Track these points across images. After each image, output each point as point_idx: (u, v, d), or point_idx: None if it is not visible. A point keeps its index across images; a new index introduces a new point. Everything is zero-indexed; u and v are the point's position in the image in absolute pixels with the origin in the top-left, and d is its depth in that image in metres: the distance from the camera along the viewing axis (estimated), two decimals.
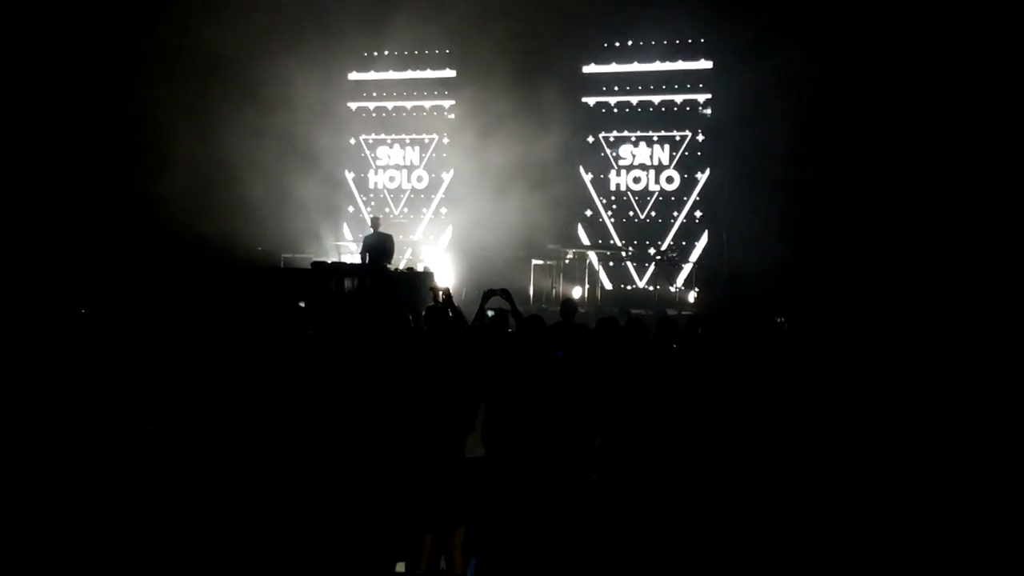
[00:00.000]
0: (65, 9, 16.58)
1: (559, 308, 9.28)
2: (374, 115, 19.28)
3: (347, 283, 13.27)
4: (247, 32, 16.32)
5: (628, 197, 17.71)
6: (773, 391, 6.48)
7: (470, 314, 7.35)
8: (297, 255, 16.96)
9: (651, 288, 16.80)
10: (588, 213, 17.79)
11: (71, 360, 7.68)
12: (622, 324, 7.48)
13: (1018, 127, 13.58)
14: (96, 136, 16.95)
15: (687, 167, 17.39)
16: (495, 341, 7.03)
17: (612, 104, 17.79)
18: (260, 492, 6.14)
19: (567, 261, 16.20)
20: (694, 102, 17.35)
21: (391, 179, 19.23)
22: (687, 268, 16.53)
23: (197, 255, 15.60)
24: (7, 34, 16.23)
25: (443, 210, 18.67)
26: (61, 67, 16.62)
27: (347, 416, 6.60)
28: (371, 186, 19.30)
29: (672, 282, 16.26)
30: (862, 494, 6.04)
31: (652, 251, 17.06)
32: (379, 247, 14.36)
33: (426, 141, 19.03)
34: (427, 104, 18.95)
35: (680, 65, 17.33)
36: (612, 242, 17.43)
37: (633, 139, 17.72)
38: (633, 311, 12.83)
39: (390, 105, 19.17)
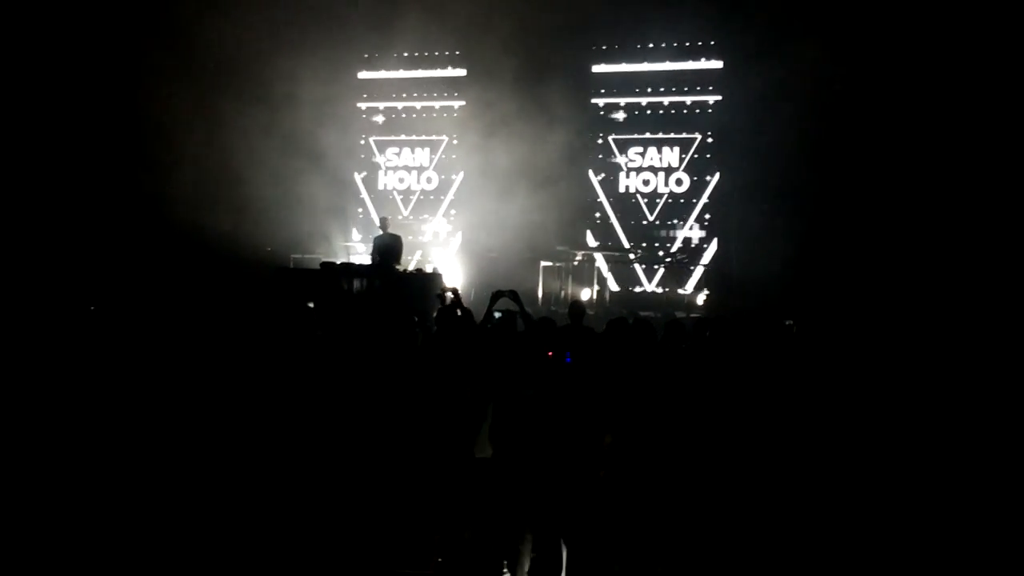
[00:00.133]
0: (74, 7, 16.61)
1: (567, 310, 9.28)
2: (383, 116, 19.30)
3: (356, 284, 13.28)
4: (256, 32, 16.37)
5: (637, 199, 17.70)
6: (781, 393, 6.47)
7: (479, 315, 7.36)
8: (306, 255, 16.98)
9: (660, 290, 16.77)
10: (597, 215, 17.77)
11: (81, 357, 7.71)
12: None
13: None
14: (106, 135, 16.99)
15: (696, 169, 17.36)
16: (503, 342, 7.03)
17: (622, 105, 17.77)
18: (269, 492, 6.15)
19: (576, 263, 16.18)
20: (704, 104, 17.32)
21: (400, 180, 19.25)
22: (698, 272, 16.51)
23: (207, 255, 15.63)
24: (18, 34, 16.29)
25: (452, 211, 18.67)
26: (71, 66, 16.66)
27: (355, 416, 6.61)
28: (380, 187, 19.32)
29: (682, 285, 16.23)
30: (870, 495, 6.03)
31: (661, 254, 17.02)
32: (388, 248, 14.37)
33: (436, 142, 19.04)
34: (437, 104, 18.96)
35: (690, 65, 17.30)
36: (621, 244, 17.41)
37: (642, 141, 17.70)
38: (642, 313, 12.82)
39: (400, 106, 19.18)
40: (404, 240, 15.03)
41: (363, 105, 19.30)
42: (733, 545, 5.78)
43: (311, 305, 11.93)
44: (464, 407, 6.00)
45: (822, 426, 6.36)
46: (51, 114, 16.60)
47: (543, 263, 16.11)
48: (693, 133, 17.39)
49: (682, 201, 17.41)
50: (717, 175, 17.14)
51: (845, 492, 6.05)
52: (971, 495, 5.99)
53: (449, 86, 18.77)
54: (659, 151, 17.64)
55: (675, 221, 17.39)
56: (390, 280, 13.54)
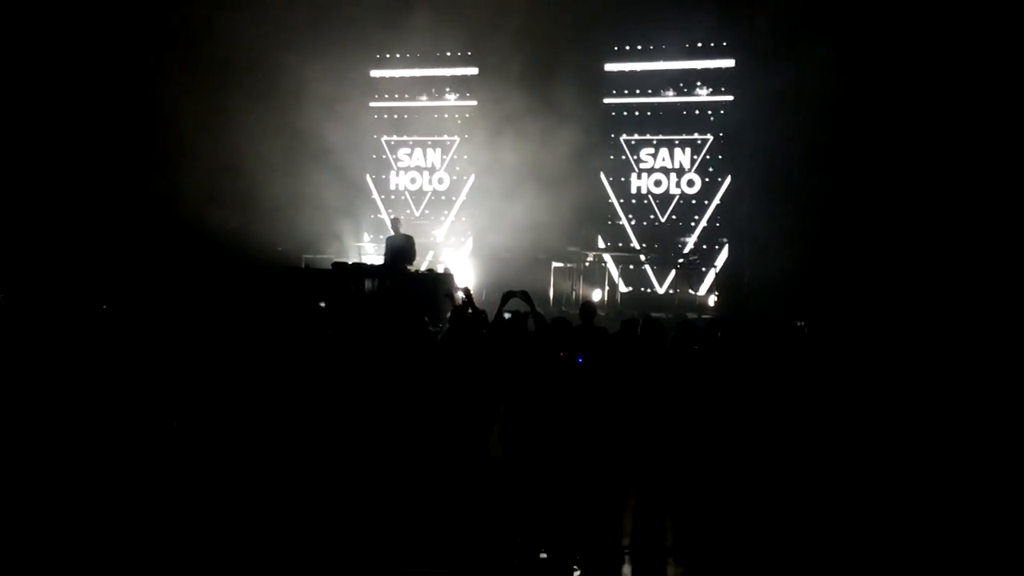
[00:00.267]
0: (85, 5, 16.67)
1: (578, 311, 9.28)
2: (395, 116, 19.31)
3: (367, 284, 13.30)
4: (267, 30, 16.41)
5: (649, 200, 17.67)
6: (792, 393, 6.46)
7: (491, 316, 7.36)
8: (318, 256, 17.01)
9: (671, 292, 16.73)
10: (608, 216, 17.74)
11: (93, 355, 7.74)
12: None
13: None
14: (117, 134, 17.06)
15: (708, 170, 17.32)
16: (513, 343, 7.03)
17: (633, 106, 17.75)
18: (280, 490, 6.17)
19: (587, 264, 16.16)
20: (715, 104, 17.28)
21: (412, 181, 19.26)
22: (712, 274, 16.48)
23: (218, 254, 15.67)
24: (30, 33, 16.36)
25: (464, 213, 18.66)
26: (83, 65, 16.72)
27: (366, 415, 6.63)
28: (392, 187, 19.33)
29: (694, 287, 16.20)
30: (882, 495, 6.02)
31: (673, 255, 16.97)
32: (401, 248, 14.37)
33: (447, 143, 19.04)
34: (448, 104, 18.95)
35: (702, 63, 17.27)
36: (632, 245, 17.39)
37: (654, 142, 17.67)
38: (653, 314, 12.81)
39: (412, 106, 19.18)
40: (416, 241, 15.03)
41: (375, 105, 19.30)
42: (742, 544, 5.77)
43: (322, 305, 11.95)
44: (476, 407, 6.00)
45: (832, 425, 6.35)
46: (63, 112, 16.68)
47: (555, 264, 16.10)
48: (705, 134, 17.34)
49: (694, 202, 17.38)
50: (729, 177, 17.08)
51: (854, 490, 6.04)
52: (984, 495, 5.97)
53: (460, 86, 18.75)
54: (671, 152, 17.60)
55: (686, 222, 17.35)
56: (401, 281, 13.55)
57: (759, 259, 15.79)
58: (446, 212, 18.89)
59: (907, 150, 14.33)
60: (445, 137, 19.03)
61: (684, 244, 17.12)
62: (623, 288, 16.80)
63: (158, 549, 5.47)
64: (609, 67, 17.73)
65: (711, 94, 17.26)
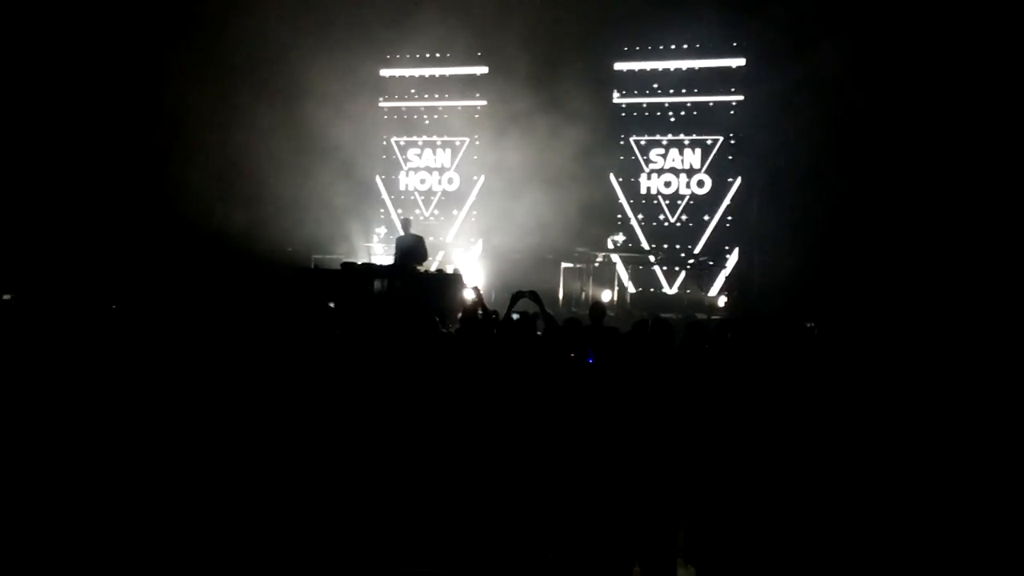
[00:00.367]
0: (97, 3, 16.73)
1: (588, 311, 9.27)
2: (405, 117, 19.34)
3: (377, 284, 13.31)
4: (277, 30, 16.45)
5: (659, 200, 17.66)
6: (803, 395, 6.44)
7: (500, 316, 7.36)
8: (328, 256, 17.05)
9: (681, 292, 16.72)
10: (618, 217, 17.74)
11: (102, 355, 7.75)
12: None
13: None
14: (127, 134, 17.11)
15: (718, 171, 17.30)
16: (522, 343, 7.03)
17: (643, 106, 17.74)
18: (285, 491, 6.17)
19: (596, 264, 16.17)
20: (726, 104, 17.25)
21: (422, 181, 19.28)
22: (723, 275, 16.48)
23: (228, 254, 15.71)
24: (42, 31, 16.41)
25: (474, 213, 18.68)
26: (93, 64, 16.77)
27: (374, 417, 6.62)
28: (401, 188, 19.36)
29: (705, 289, 16.17)
30: (895, 500, 5.99)
31: (683, 255, 16.95)
32: (412, 249, 14.36)
33: (457, 143, 19.06)
34: (458, 105, 18.96)
35: (712, 62, 17.24)
36: (641, 246, 17.39)
37: (664, 142, 17.66)
38: (663, 315, 12.80)
39: (422, 106, 19.21)
40: (426, 241, 15.04)
41: (385, 105, 19.33)
42: (753, 546, 5.76)
43: (332, 305, 11.94)
44: (486, 407, 6.00)
45: (843, 426, 6.32)
46: (73, 112, 16.73)
47: (564, 264, 16.10)
48: (715, 134, 17.32)
49: (704, 203, 17.35)
50: (739, 177, 17.06)
51: (869, 495, 6.01)
52: (998, 496, 5.94)
53: (470, 85, 18.78)
54: (680, 152, 17.58)
55: (697, 223, 17.34)
56: (411, 281, 13.56)
57: (769, 260, 15.78)
58: (455, 212, 18.90)
59: (920, 149, 14.28)
60: (455, 137, 19.05)
61: (694, 245, 17.12)
62: (635, 288, 16.81)
63: (159, 548, 5.49)
64: (619, 66, 17.73)
65: (721, 94, 17.24)
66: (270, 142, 16.56)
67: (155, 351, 8.05)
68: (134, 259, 15.64)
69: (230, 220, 15.82)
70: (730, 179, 17.16)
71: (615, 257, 16.43)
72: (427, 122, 19.21)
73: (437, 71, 19.00)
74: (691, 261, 16.43)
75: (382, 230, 18.28)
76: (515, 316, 7.56)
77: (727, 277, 16.41)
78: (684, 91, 17.48)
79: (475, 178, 18.75)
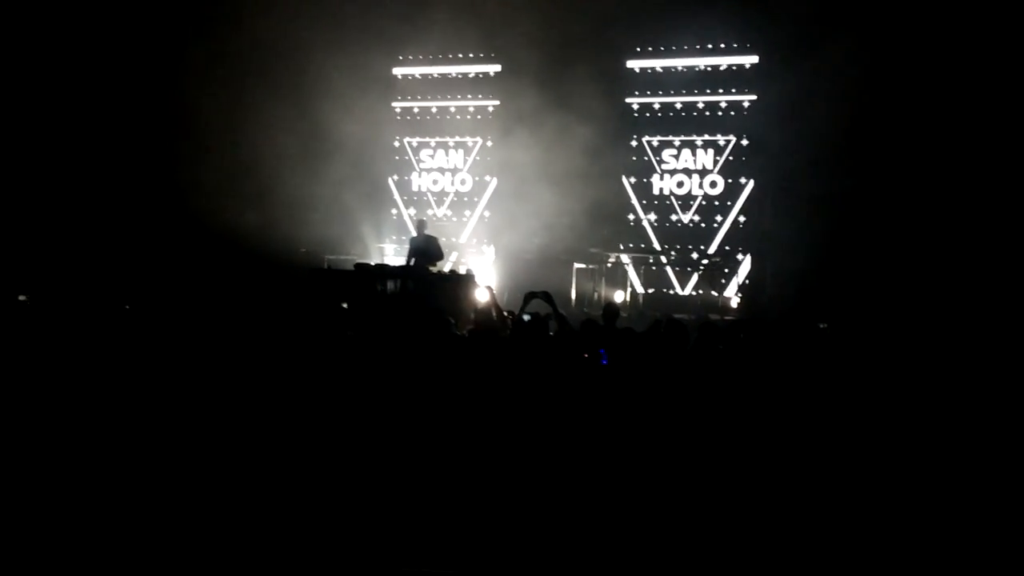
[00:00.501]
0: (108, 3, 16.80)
1: (601, 312, 9.29)
2: (418, 118, 19.37)
3: (390, 285, 13.32)
4: (290, 30, 16.50)
5: (671, 201, 17.64)
6: (815, 396, 6.44)
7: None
8: (341, 256, 17.08)
9: (694, 293, 16.72)
10: (630, 217, 17.73)
11: (116, 356, 7.80)
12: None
13: None
14: (142, 135, 17.18)
15: (731, 171, 17.27)
16: (534, 344, 7.05)
17: (656, 106, 17.73)
18: (287, 489, 6.20)
19: (609, 265, 16.16)
20: (738, 104, 17.22)
21: (434, 182, 19.31)
22: (739, 275, 16.46)
23: (242, 256, 15.74)
24: (54, 29, 16.49)
25: (486, 213, 18.70)
26: (105, 63, 16.83)
27: (386, 416, 6.64)
28: (414, 188, 19.40)
29: (719, 289, 16.15)
30: (907, 499, 5.98)
31: (695, 256, 16.94)
32: (426, 250, 14.36)
33: (469, 144, 19.08)
34: (471, 105, 18.98)
35: (725, 60, 17.22)
36: (654, 247, 17.38)
37: (676, 143, 17.64)
38: (676, 315, 12.79)
39: (434, 107, 19.24)
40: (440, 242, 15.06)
41: (398, 106, 19.36)
42: (761, 545, 5.76)
43: (345, 306, 11.97)
44: (498, 409, 6.02)
45: (855, 427, 6.32)
46: (88, 113, 16.81)
47: (577, 265, 16.11)
48: (728, 135, 17.29)
49: (716, 203, 17.33)
50: (752, 178, 17.04)
51: (881, 494, 6.01)
52: (1013, 496, 5.92)
53: (483, 86, 18.80)
54: (693, 153, 17.56)
55: (709, 224, 17.32)
56: (424, 282, 13.56)
57: (781, 260, 15.74)
58: (468, 213, 18.93)
59: (934, 150, 14.22)
60: (467, 138, 19.07)
61: (707, 245, 17.10)
62: (648, 289, 16.80)
63: (160, 548, 5.52)
64: (631, 63, 17.71)
65: (734, 93, 17.21)
66: (283, 143, 16.61)
67: (168, 351, 8.09)
68: (148, 260, 15.70)
69: (243, 221, 15.85)
70: (743, 179, 17.13)
71: (626, 258, 16.43)
72: (439, 123, 19.22)
73: (450, 69, 19.01)
74: (704, 261, 16.42)
75: (389, 240, 18.32)
76: (526, 317, 7.58)
77: (741, 278, 16.37)
78: (696, 91, 17.45)
79: (487, 179, 18.78)
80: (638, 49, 17.69)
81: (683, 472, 5.98)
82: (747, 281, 16.44)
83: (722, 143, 17.32)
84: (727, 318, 14.02)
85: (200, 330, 9.00)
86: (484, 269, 16.79)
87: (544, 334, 7.47)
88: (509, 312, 7.87)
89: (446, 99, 19.13)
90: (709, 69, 17.30)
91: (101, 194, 16.74)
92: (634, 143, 17.83)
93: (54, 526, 5.68)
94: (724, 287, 16.34)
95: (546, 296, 7.49)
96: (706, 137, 17.44)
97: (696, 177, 17.52)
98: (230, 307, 10.60)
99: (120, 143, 17.06)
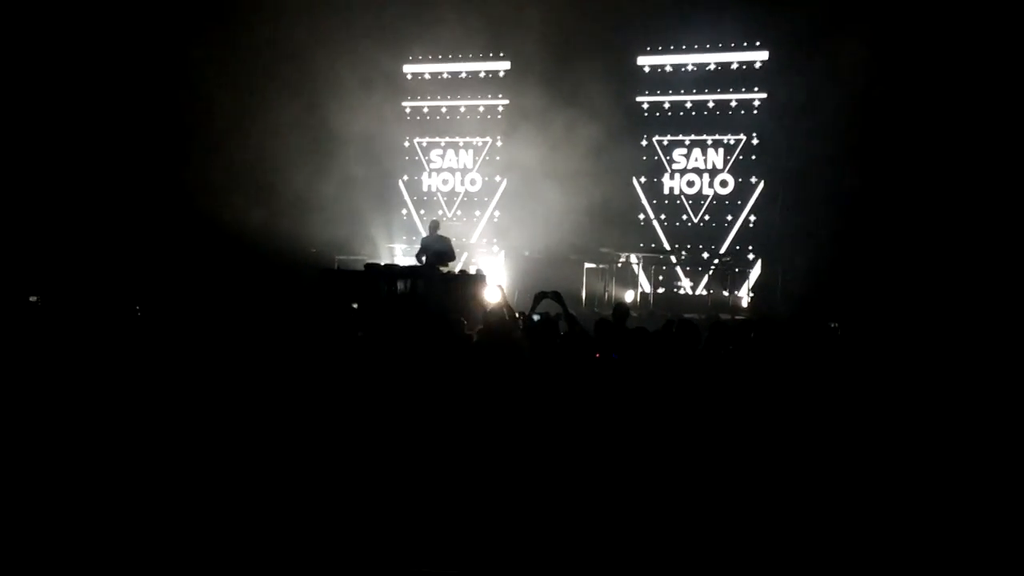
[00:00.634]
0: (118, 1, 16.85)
1: (611, 312, 9.27)
2: (428, 118, 19.38)
3: (400, 285, 13.32)
4: (300, 30, 16.53)
5: (681, 201, 17.62)
6: (826, 395, 6.42)
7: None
8: (351, 256, 17.10)
9: (705, 293, 16.69)
10: (640, 217, 17.71)
11: (127, 359, 7.81)
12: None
13: None
14: (152, 136, 17.22)
15: (741, 171, 17.24)
16: (545, 344, 7.03)
17: (666, 106, 17.70)
18: (296, 489, 6.20)
19: (619, 265, 16.15)
20: (749, 103, 17.17)
21: (444, 182, 19.32)
22: (752, 275, 16.43)
23: (252, 256, 15.77)
24: (66, 30, 16.53)
25: (496, 213, 18.70)
26: (111, 64, 16.88)
27: (396, 417, 6.64)
28: (424, 189, 19.41)
29: (730, 289, 16.10)
30: (917, 500, 5.96)
31: (706, 255, 16.92)
32: (438, 250, 14.34)
33: (479, 144, 19.08)
34: (480, 103, 18.98)
35: (735, 56, 17.18)
36: (665, 247, 17.37)
37: (687, 142, 17.62)
38: (686, 315, 12.78)
39: (444, 107, 19.23)
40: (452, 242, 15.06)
41: (408, 105, 19.37)
42: (769, 545, 5.74)
43: (355, 306, 11.99)
44: (508, 409, 6.01)
45: (866, 427, 6.30)
46: (101, 114, 16.86)
47: (587, 265, 16.10)
48: (738, 134, 17.25)
49: (727, 203, 17.30)
50: (763, 177, 17.00)
51: (891, 495, 5.98)
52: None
53: (492, 85, 18.80)
54: (703, 152, 17.53)
55: (720, 223, 17.29)
56: (434, 282, 13.56)
57: (793, 259, 15.69)
58: (478, 213, 18.94)
59: (947, 147, 14.15)
60: (477, 138, 19.07)
61: (717, 245, 17.08)
62: (656, 289, 16.77)
63: (162, 547, 5.53)
64: (641, 60, 17.68)
65: (744, 92, 17.17)
66: (294, 142, 16.65)
67: (179, 352, 8.11)
68: (158, 260, 15.74)
69: (253, 221, 15.88)
70: (753, 179, 17.09)
71: (636, 257, 16.42)
72: (449, 123, 19.22)
73: (459, 67, 19.00)
74: (716, 261, 16.40)
75: (399, 240, 18.34)
76: (536, 317, 7.56)
77: (753, 278, 16.35)
78: (707, 90, 17.42)
79: (497, 179, 18.78)
80: (648, 48, 17.66)
81: (695, 472, 5.97)
82: (758, 281, 16.40)
83: (732, 142, 17.28)
84: (737, 318, 13.98)
85: (210, 331, 9.02)
86: (494, 269, 16.78)
87: (554, 334, 7.46)
88: (520, 313, 7.85)
89: (456, 99, 19.13)
90: (719, 68, 17.26)
91: (111, 195, 16.78)
92: (644, 143, 17.80)
93: (55, 526, 5.70)
94: (735, 287, 16.30)
95: (556, 296, 7.46)
96: (716, 136, 17.41)
97: (707, 176, 17.49)
98: (240, 308, 10.62)
99: (130, 144, 17.10)
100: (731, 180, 17.28)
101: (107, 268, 15.18)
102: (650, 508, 5.87)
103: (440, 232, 14.86)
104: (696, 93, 17.50)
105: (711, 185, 17.43)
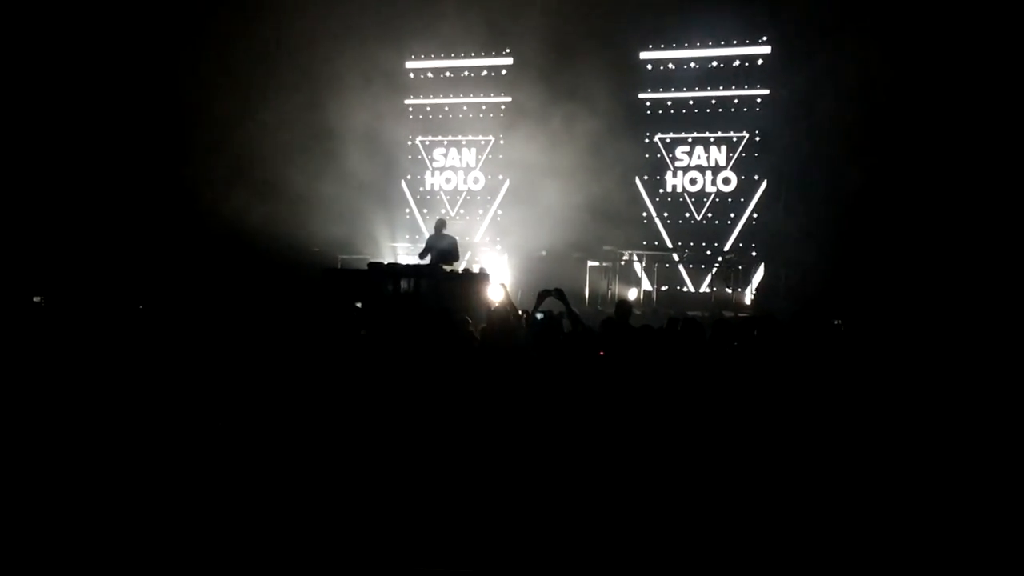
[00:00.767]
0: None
1: (614, 310, 9.26)
2: (430, 116, 19.37)
3: (403, 284, 13.32)
4: (303, 28, 16.52)
5: (684, 198, 17.60)
6: (829, 392, 6.42)
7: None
8: (354, 256, 17.10)
9: (708, 290, 16.68)
10: (643, 215, 17.70)
11: (130, 356, 7.82)
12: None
13: None
14: (152, 134, 17.23)
15: (744, 168, 17.21)
16: (548, 342, 7.03)
17: (668, 103, 17.68)
18: (299, 488, 6.21)
19: (623, 263, 16.14)
20: (751, 99, 17.14)
21: (447, 180, 19.31)
22: (757, 274, 16.42)
23: (254, 255, 15.77)
24: (66, 27, 16.54)
25: (499, 212, 18.69)
26: (113, 62, 16.87)
27: (400, 415, 6.64)
28: (427, 187, 19.40)
29: (734, 287, 16.08)
30: (919, 497, 5.95)
31: (709, 253, 16.91)
32: (443, 249, 14.32)
33: (482, 142, 19.07)
34: (482, 101, 18.96)
35: (738, 50, 17.14)
36: (668, 245, 17.35)
37: (689, 140, 17.60)
38: (689, 313, 12.78)
39: (446, 104, 19.22)
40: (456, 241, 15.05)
41: (410, 103, 19.35)
42: (774, 543, 5.73)
43: (358, 305, 11.98)
44: (512, 407, 6.01)
45: (869, 424, 6.30)
46: (104, 114, 16.86)
47: (590, 263, 16.09)
48: (741, 131, 17.23)
49: (730, 200, 17.28)
50: (765, 175, 16.97)
51: (893, 491, 5.98)
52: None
53: (494, 83, 18.79)
54: (706, 150, 17.51)
55: (723, 221, 17.28)
56: (437, 281, 13.55)
57: (796, 256, 15.66)
58: (481, 212, 18.93)
59: (951, 144, 14.12)
60: (479, 136, 19.06)
61: (720, 243, 17.06)
62: (661, 287, 16.74)
63: (162, 548, 5.53)
64: (644, 55, 17.67)
65: (746, 88, 17.14)
66: (295, 141, 16.66)
67: (182, 351, 8.12)
68: (161, 259, 15.75)
69: (255, 220, 15.87)
70: (756, 176, 17.07)
71: (638, 255, 16.41)
72: (452, 121, 19.20)
73: (461, 64, 18.98)
74: (719, 259, 16.39)
75: (402, 240, 18.34)
76: (539, 316, 7.55)
77: (757, 276, 16.33)
78: (709, 87, 17.40)
79: (500, 177, 18.77)
80: (650, 44, 17.64)
81: (698, 470, 5.96)
82: (761, 279, 16.38)
83: (735, 139, 17.26)
84: (741, 315, 13.96)
85: (213, 330, 9.03)
86: (498, 268, 16.77)
87: (558, 332, 7.45)
88: (523, 311, 7.84)
89: (458, 96, 19.11)
90: (721, 65, 17.24)
91: (114, 194, 16.78)
92: (647, 140, 17.79)
93: (56, 526, 5.71)
94: (739, 285, 16.27)
95: (559, 294, 7.46)
96: (719, 133, 17.40)
97: (709, 174, 17.47)
98: (243, 307, 10.63)
99: (132, 143, 17.11)
100: (734, 178, 17.26)
101: (110, 268, 15.19)
102: (656, 506, 5.87)
103: (446, 231, 14.86)
104: (699, 89, 17.48)
105: (714, 183, 17.41)
